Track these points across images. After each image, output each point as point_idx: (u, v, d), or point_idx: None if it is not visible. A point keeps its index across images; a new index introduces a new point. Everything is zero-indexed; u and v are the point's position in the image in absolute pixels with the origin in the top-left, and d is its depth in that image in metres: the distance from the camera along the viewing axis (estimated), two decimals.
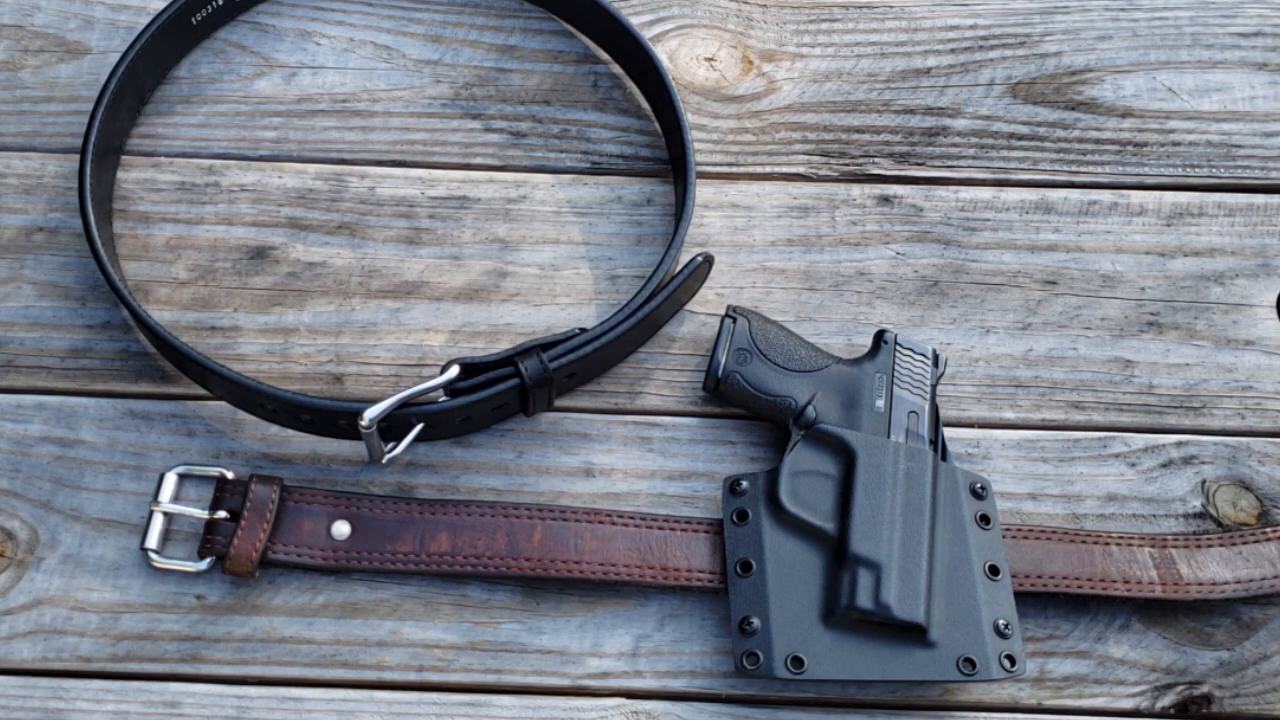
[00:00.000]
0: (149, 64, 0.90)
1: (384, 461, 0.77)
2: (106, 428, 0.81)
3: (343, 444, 0.81)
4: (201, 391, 0.82)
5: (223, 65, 0.94)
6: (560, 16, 0.96)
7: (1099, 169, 0.92)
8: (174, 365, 0.82)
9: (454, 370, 0.77)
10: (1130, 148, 0.92)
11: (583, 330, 0.79)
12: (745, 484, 0.77)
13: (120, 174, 0.89)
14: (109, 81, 0.86)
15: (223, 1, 0.92)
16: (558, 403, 0.82)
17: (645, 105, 0.92)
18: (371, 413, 0.74)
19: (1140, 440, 0.83)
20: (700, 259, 0.82)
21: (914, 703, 0.75)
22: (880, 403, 0.79)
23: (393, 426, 0.76)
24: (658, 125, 0.91)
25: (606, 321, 0.79)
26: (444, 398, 0.77)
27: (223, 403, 0.81)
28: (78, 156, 0.88)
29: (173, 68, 0.93)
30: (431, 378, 0.77)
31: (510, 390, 0.77)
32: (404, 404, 0.75)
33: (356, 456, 0.80)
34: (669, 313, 0.84)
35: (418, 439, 0.78)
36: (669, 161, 0.91)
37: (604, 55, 0.94)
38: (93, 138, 0.84)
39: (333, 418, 0.76)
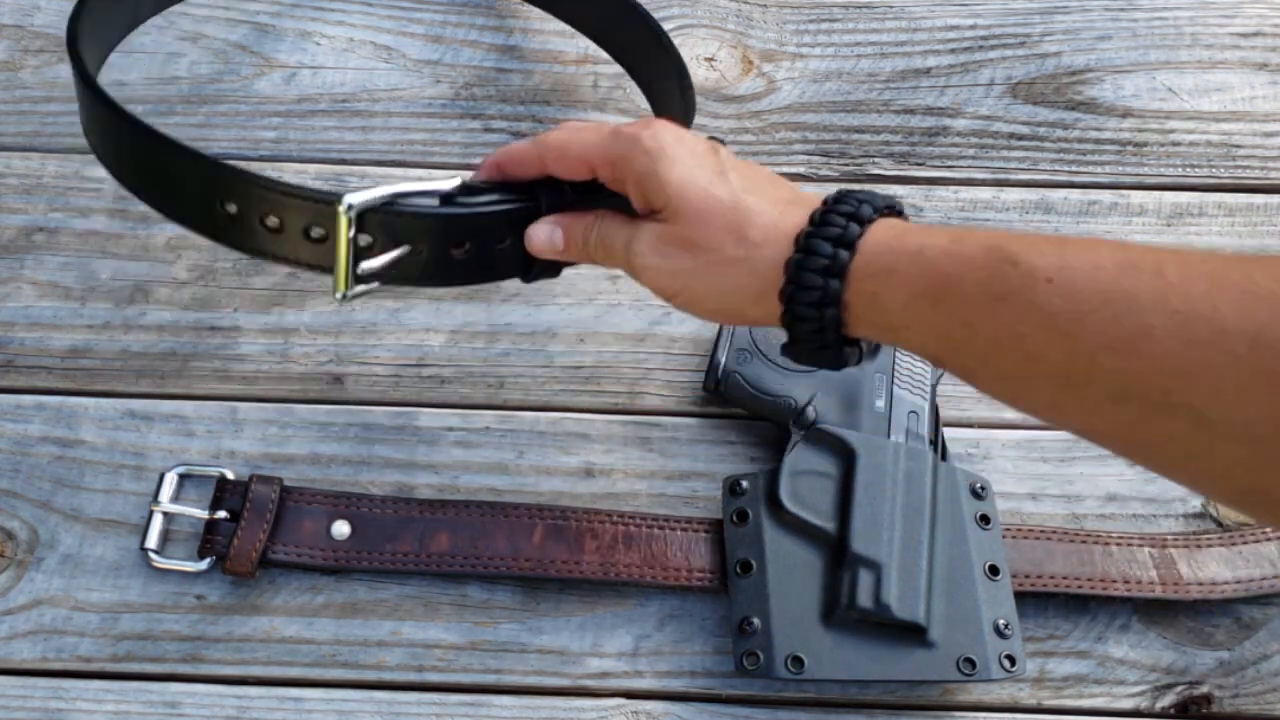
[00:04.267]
0: None
1: (349, 295, 0.62)
2: (106, 428, 0.81)
3: (343, 444, 0.81)
4: (201, 391, 0.82)
5: (223, 65, 0.94)
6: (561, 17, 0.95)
7: (1099, 169, 0.92)
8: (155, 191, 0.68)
9: (456, 181, 0.63)
10: (1130, 148, 0.92)
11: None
12: (745, 484, 0.77)
13: None
14: None
15: None
16: (558, 402, 0.82)
17: (646, 106, 0.92)
18: (353, 198, 0.59)
19: None
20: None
21: (914, 703, 0.75)
22: (880, 403, 0.79)
23: (376, 242, 0.61)
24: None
25: None
26: (437, 204, 0.62)
27: (223, 403, 0.81)
28: (78, 156, 0.88)
29: None
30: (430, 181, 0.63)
31: (523, 217, 0.63)
32: (393, 199, 0.60)
33: (356, 457, 0.80)
34: None
35: (404, 276, 0.63)
36: None
37: (604, 55, 0.94)
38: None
39: (303, 209, 0.60)
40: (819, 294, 0.55)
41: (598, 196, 0.63)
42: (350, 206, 0.59)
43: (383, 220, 0.61)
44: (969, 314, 0.50)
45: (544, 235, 0.63)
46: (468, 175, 0.66)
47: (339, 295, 0.62)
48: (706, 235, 0.57)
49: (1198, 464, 0.45)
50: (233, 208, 0.61)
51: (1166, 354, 0.43)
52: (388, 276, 0.62)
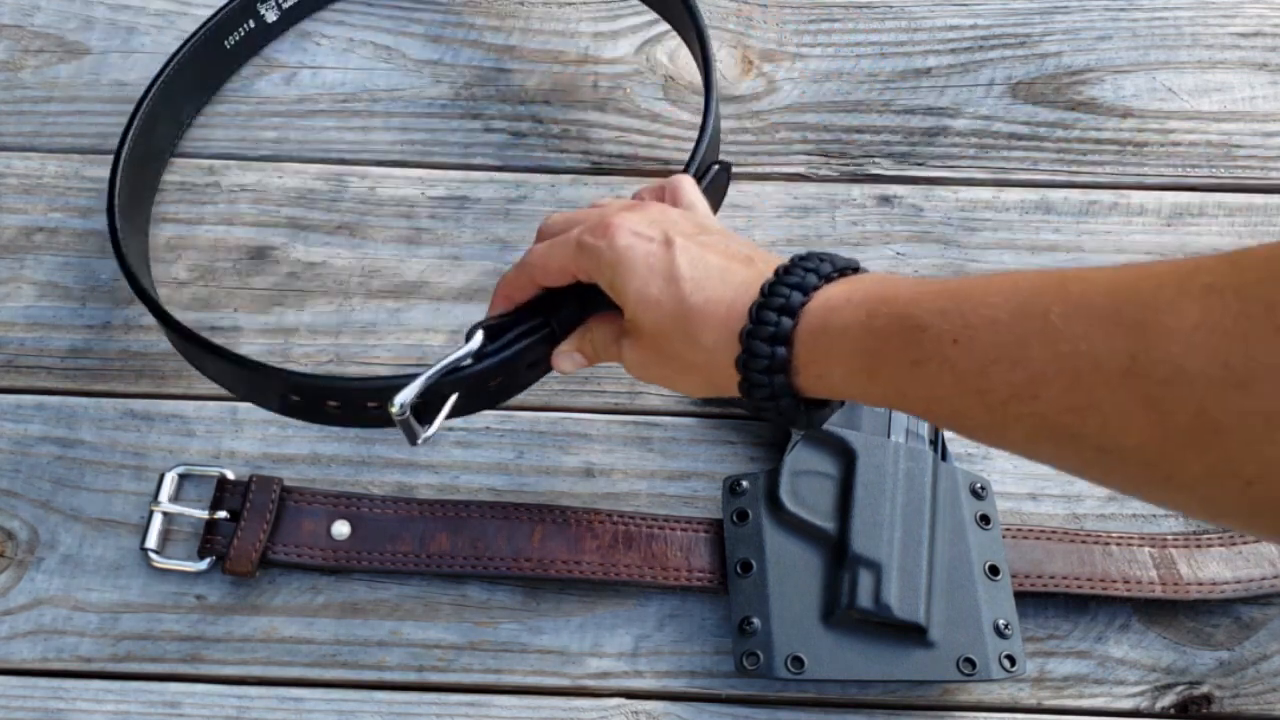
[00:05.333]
0: (184, 84, 0.90)
1: (420, 443, 0.72)
2: (106, 428, 0.81)
3: (342, 444, 0.81)
4: (201, 391, 0.82)
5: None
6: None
7: (1099, 169, 0.92)
8: (190, 362, 0.80)
9: (479, 337, 0.70)
10: (1130, 148, 0.92)
11: None
12: (745, 484, 0.77)
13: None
14: (136, 111, 0.86)
15: (254, 25, 0.92)
16: (558, 403, 0.82)
17: (647, 106, 0.92)
18: (402, 398, 0.67)
19: None
20: (718, 167, 0.79)
21: (914, 703, 0.75)
22: None
23: (426, 404, 0.70)
24: (683, 115, 0.92)
25: None
26: (470, 362, 0.70)
27: (223, 403, 0.81)
28: (78, 156, 0.88)
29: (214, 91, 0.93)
30: (457, 348, 0.71)
31: (540, 342, 0.71)
32: (436, 380, 0.69)
33: (356, 457, 0.80)
34: None
35: (452, 413, 0.71)
36: (668, 162, 0.91)
37: (604, 54, 0.94)
38: (123, 156, 0.84)
39: (361, 399, 0.71)
40: (767, 361, 0.58)
41: (600, 295, 0.69)
42: (402, 406, 0.67)
43: (430, 390, 0.69)
44: (899, 382, 0.53)
45: (568, 365, 0.70)
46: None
47: (412, 445, 0.71)
48: (666, 344, 0.62)
49: (1114, 483, 0.49)
50: (295, 397, 0.72)
51: (1060, 394, 0.46)
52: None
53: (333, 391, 0.72)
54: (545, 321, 0.70)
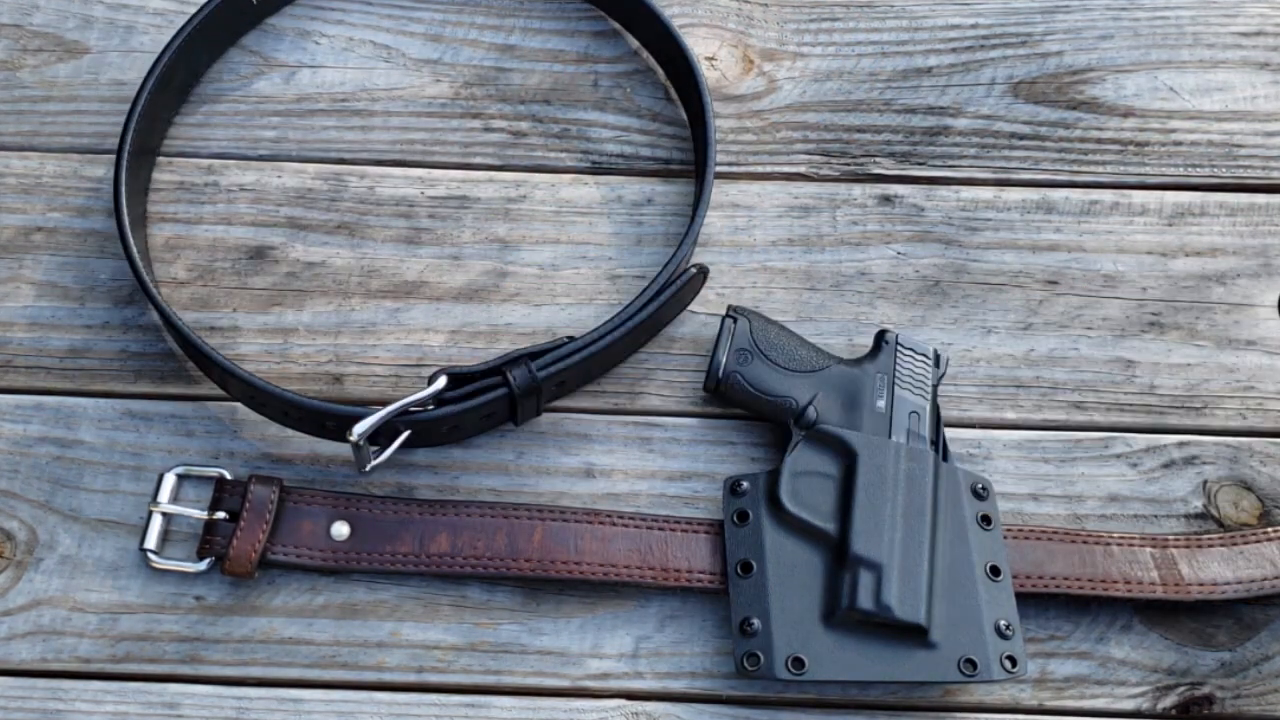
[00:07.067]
0: (200, 47, 0.91)
1: (367, 469, 0.77)
2: (105, 428, 0.81)
3: (344, 445, 0.80)
4: (201, 391, 0.82)
5: (221, 65, 0.94)
6: (607, 13, 0.96)
7: (1100, 169, 0.92)
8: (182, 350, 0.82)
9: (442, 381, 0.76)
10: (1132, 147, 0.92)
11: (571, 339, 0.79)
12: (746, 484, 0.77)
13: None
14: (163, 53, 0.87)
15: None
16: (558, 404, 0.82)
17: (647, 104, 0.92)
18: (360, 428, 0.74)
19: (1142, 440, 0.83)
20: (694, 270, 0.82)
21: (915, 704, 0.75)
22: (881, 403, 0.79)
23: (380, 432, 0.76)
24: (683, 114, 0.92)
25: (596, 330, 0.79)
26: (432, 407, 0.77)
27: (222, 403, 0.81)
28: (77, 156, 0.88)
29: (220, 54, 0.94)
30: (420, 389, 0.76)
31: (498, 400, 0.77)
32: (392, 418, 0.75)
33: None
34: (661, 323, 0.84)
35: (405, 445, 0.77)
36: (668, 161, 0.91)
37: (605, 54, 0.94)
38: (134, 119, 0.84)
39: (320, 419, 0.77)
40: None
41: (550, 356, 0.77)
42: (360, 435, 0.73)
43: (388, 425, 0.75)
44: None
45: None
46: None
47: (359, 471, 0.79)
48: None
49: None
50: (264, 407, 0.79)
51: None
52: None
53: (294, 405, 0.76)
54: (504, 380, 0.77)
